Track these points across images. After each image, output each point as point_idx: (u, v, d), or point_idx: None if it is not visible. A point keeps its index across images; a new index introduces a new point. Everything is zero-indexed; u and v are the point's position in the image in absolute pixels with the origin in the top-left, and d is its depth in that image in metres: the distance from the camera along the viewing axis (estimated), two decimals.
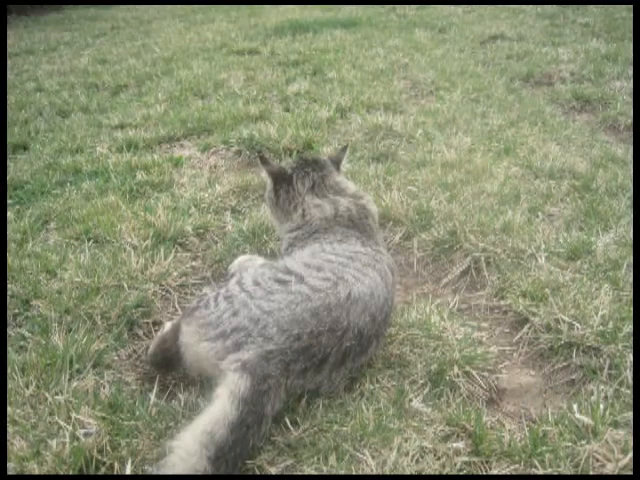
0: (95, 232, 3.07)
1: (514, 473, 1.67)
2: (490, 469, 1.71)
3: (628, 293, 2.35)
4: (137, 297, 2.48)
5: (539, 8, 9.61)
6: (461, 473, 1.69)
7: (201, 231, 3.13)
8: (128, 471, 1.69)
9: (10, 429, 1.80)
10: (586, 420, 1.77)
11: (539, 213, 3.08)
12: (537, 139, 4.09)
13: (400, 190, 3.33)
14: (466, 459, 1.73)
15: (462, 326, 2.31)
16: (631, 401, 1.86)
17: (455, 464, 1.72)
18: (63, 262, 2.75)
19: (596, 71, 5.74)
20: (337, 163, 2.70)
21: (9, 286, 2.55)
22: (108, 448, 1.76)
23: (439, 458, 1.74)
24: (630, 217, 2.92)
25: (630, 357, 2.00)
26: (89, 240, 3.01)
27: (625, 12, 8.68)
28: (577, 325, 2.16)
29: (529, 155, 3.77)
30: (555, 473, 1.63)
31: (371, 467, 1.68)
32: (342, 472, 1.67)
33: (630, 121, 4.43)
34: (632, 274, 2.43)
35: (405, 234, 3.02)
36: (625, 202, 3.09)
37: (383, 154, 3.99)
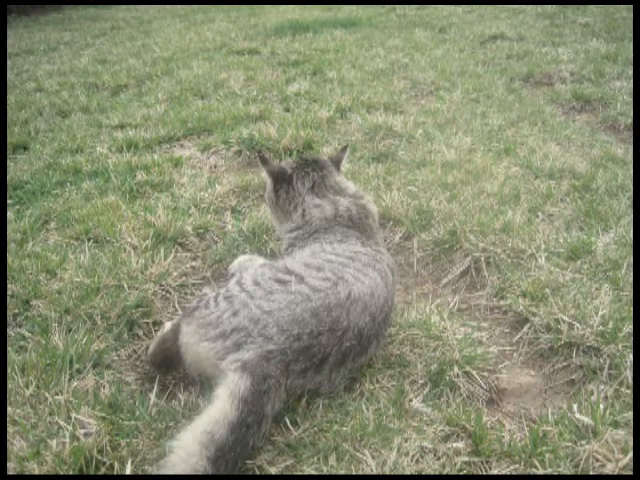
0: (95, 232, 3.07)
1: (514, 473, 1.67)
2: (490, 469, 1.71)
3: (628, 293, 2.36)
4: (137, 297, 2.48)
5: (539, 8, 9.62)
6: (461, 473, 1.69)
7: (201, 231, 3.13)
8: (128, 471, 1.68)
9: (10, 429, 1.80)
10: (586, 420, 1.77)
11: (539, 213, 3.08)
12: (537, 139, 4.09)
13: (400, 190, 3.33)
14: (466, 459, 1.73)
15: (462, 326, 2.31)
16: (631, 401, 1.86)
17: (455, 464, 1.72)
18: (63, 262, 2.75)
19: (596, 71, 5.74)
20: (337, 163, 2.70)
21: (9, 286, 2.55)
22: (108, 448, 1.76)
23: (439, 458, 1.74)
24: (630, 217, 2.92)
25: (630, 357, 2.00)
26: (89, 240, 3.01)
27: (625, 12, 8.69)
28: (577, 325, 2.16)
29: (529, 155, 3.77)
30: (555, 473, 1.63)
31: (371, 467, 1.68)
32: (342, 472, 1.67)
33: (630, 121, 4.43)
34: (632, 274, 2.43)
35: (405, 234, 3.02)
36: (625, 202, 3.09)
37: (383, 154, 3.99)
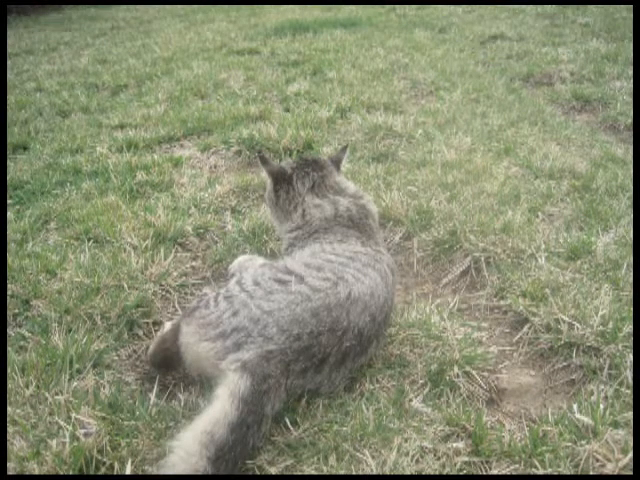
0: (95, 232, 3.06)
1: (514, 473, 1.67)
2: (490, 469, 1.71)
3: (628, 293, 2.35)
4: (137, 297, 2.47)
5: (539, 8, 9.63)
6: (461, 473, 1.69)
7: (201, 231, 3.13)
8: (128, 471, 1.68)
9: (10, 429, 1.80)
10: (586, 420, 1.77)
11: (539, 213, 3.08)
12: (537, 139, 4.09)
13: (400, 190, 3.33)
14: (466, 459, 1.73)
15: (462, 326, 2.31)
16: (631, 401, 1.86)
17: (455, 464, 1.72)
18: (63, 262, 2.75)
19: (596, 71, 5.75)
20: (337, 163, 2.70)
21: (9, 286, 2.55)
22: (108, 448, 1.76)
23: (439, 458, 1.74)
24: (630, 217, 2.92)
25: (630, 357, 2.00)
26: (89, 240, 3.01)
27: (625, 12, 8.69)
28: (577, 325, 2.15)
29: (529, 155, 3.77)
30: (555, 473, 1.63)
31: (371, 467, 1.68)
32: (342, 472, 1.67)
33: (630, 121, 4.44)
34: (632, 274, 2.43)
35: (405, 234, 3.02)
36: (625, 202, 3.09)
37: (383, 154, 3.99)
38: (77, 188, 3.76)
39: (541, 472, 1.64)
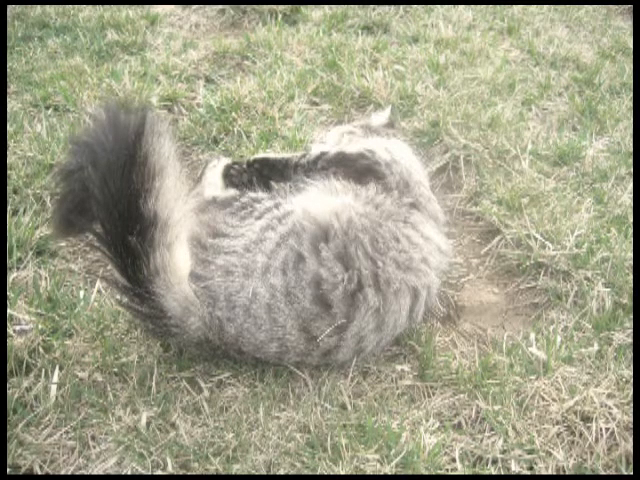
0: (55, 99, 2.81)
1: (457, 403, 1.60)
2: (433, 395, 1.64)
3: (611, 209, 2.19)
4: None
5: None
6: (403, 398, 1.62)
7: (169, 103, 2.88)
8: (55, 379, 1.59)
9: None
10: (539, 354, 1.67)
11: (532, 107, 2.84)
12: (545, 19, 3.70)
13: (386, 69, 3.04)
14: (409, 383, 1.67)
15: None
16: (591, 335, 1.75)
17: (398, 388, 1.65)
18: (17, 133, 2.53)
19: None
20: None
21: None
22: (41, 349, 1.67)
23: (381, 381, 1.67)
24: (629, 121, 2.68)
25: (599, 286, 1.87)
26: (47, 108, 2.76)
27: None
28: (549, 245, 2.00)
29: (533, 38, 3.41)
30: (497, 408, 1.55)
31: (309, 388, 1.62)
32: (280, 389, 1.61)
33: None
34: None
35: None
36: (626, 104, 2.83)
37: (376, 24, 3.62)
38: (43, 45, 3.42)
39: (483, 406, 1.56)
